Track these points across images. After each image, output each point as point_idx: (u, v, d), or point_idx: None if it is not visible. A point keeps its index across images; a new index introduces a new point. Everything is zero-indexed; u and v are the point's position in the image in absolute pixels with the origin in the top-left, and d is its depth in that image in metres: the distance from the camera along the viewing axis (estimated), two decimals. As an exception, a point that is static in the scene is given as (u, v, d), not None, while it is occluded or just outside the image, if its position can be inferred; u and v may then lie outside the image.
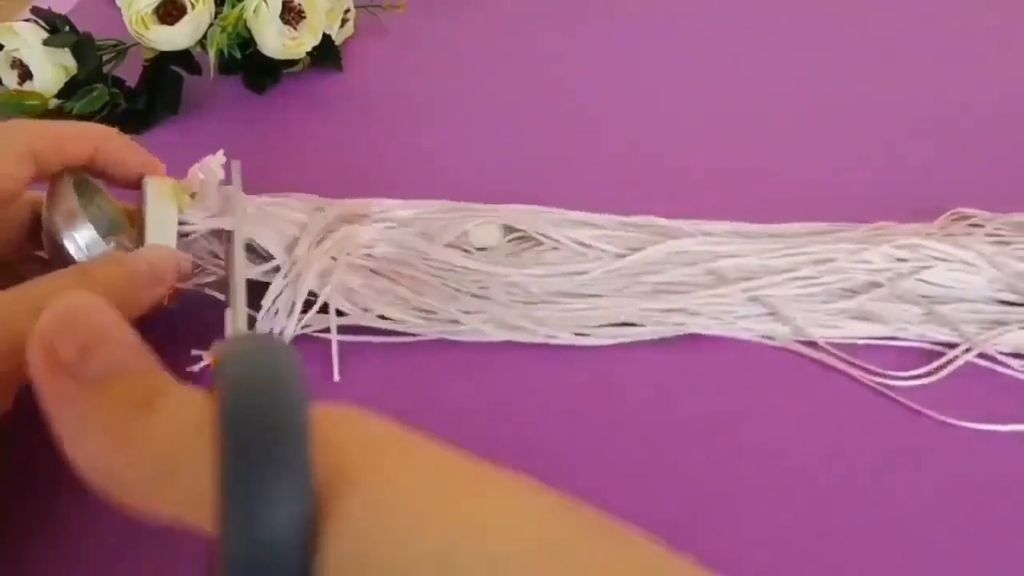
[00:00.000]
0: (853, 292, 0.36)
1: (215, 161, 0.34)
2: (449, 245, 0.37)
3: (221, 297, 0.33)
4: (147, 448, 0.14)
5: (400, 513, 0.13)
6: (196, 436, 0.14)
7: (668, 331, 0.34)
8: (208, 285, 0.33)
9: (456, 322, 0.34)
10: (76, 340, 0.15)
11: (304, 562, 0.13)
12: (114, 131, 0.32)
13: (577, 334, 0.34)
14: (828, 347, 0.34)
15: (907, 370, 0.33)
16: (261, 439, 0.13)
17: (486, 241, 0.37)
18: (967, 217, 0.40)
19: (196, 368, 0.32)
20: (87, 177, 0.32)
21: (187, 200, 0.33)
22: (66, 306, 0.15)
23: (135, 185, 0.33)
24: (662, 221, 0.39)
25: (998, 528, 0.28)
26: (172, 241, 0.32)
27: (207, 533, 0.14)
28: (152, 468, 0.14)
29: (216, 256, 0.34)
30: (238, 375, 0.14)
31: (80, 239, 0.29)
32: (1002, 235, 0.38)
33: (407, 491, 0.13)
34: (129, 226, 0.32)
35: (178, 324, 0.32)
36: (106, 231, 0.30)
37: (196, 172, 0.34)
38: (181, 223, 0.32)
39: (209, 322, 0.32)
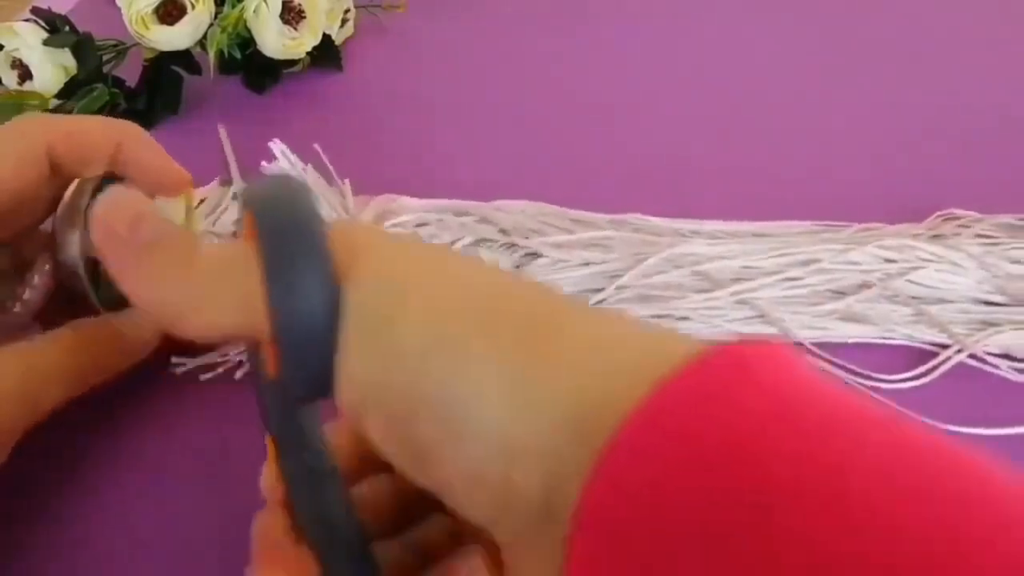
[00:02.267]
0: (842, 293, 0.36)
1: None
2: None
3: None
4: (192, 282, 0.19)
5: (397, 269, 0.18)
6: (226, 267, 0.19)
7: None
8: None
9: None
10: (124, 218, 0.19)
11: (332, 315, 0.17)
12: (139, 129, 0.30)
13: None
14: (815, 349, 0.34)
15: (895, 372, 0.33)
16: (291, 230, 0.18)
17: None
18: (956, 218, 0.40)
19: (179, 372, 0.33)
20: (115, 177, 0.30)
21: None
22: (112, 195, 0.20)
23: (157, 192, 0.31)
24: (653, 220, 0.39)
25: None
26: None
27: (239, 337, 0.20)
28: (199, 293, 0.19)
29: None
30: (268, 194, 0.18)
31: (65, 248, 0.28)
32: (990, 236, 0.38)
33: (400, 257, 0.19)
34: None
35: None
36: None
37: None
38: None
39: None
